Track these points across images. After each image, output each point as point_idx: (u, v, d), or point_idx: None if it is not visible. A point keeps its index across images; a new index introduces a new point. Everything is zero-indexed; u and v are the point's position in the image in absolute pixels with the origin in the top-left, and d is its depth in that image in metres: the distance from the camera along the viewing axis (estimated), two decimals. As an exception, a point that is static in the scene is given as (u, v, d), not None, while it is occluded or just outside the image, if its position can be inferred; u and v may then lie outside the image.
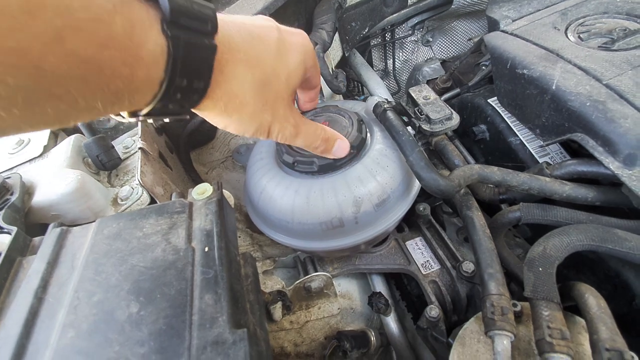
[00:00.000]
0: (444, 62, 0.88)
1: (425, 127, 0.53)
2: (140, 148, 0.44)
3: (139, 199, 0.43)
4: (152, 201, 0.43)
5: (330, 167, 0.47)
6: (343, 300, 0.64)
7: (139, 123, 0.48)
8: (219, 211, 0.32)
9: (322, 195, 0.46)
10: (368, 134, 0.51)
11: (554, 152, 0.54)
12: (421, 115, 0.55)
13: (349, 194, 0.45)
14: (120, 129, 0.56)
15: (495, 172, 0.46)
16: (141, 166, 0.42)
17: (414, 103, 0.57)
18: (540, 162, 0.55)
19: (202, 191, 0.35)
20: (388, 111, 0.50)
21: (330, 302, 0.62)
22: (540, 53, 0.50)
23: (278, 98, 0.35)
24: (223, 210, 0.33)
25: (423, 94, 0.58)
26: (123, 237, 0.31)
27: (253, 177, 0.52)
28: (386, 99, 0.55)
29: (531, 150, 0.55)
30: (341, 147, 0.44)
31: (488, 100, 0.62)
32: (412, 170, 0.46)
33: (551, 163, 0.51)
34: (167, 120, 0.31)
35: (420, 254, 0.59)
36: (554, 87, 0.47)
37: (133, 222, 0.32)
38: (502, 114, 0.59)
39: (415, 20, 1.10)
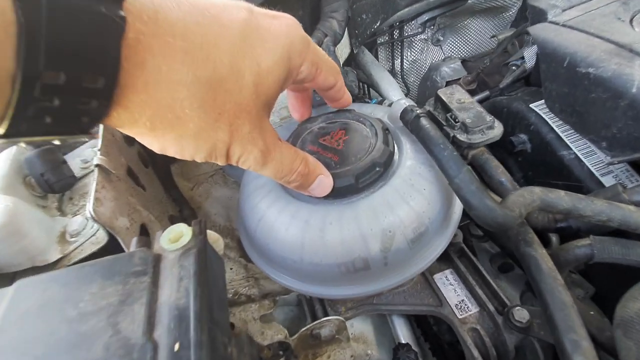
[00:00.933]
0: (464, 62, 0.78)
1: (462, 137, 0.43)
2: (97, 165, 0.32)
3: (93, 236, 0.31)
4: (112, 239, 0.31)
5: (351, 189, 0.36)
6: (357, 345, 0.53)
7: (101, 131, 0.37)
8: (199, 272, 0.21)
9: (340, 228, 0.35)
10: (395, 147, 0.41)
11: (619, 170, 0.45)
12: (455, 122, 0.44)
13: (377, 226, 0.34)
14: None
15: (562, 198, 0.36)
16: (97, 191, 0.30)
17: (445, 108, 0.47)
18: (602, 181, 0.45)
19: (176, 236, 0.24)
20: (422, 118, 0.40)
21: (341, 348, 0.51)
22: (609, 48, 0.40)
23: (240, 110, 0.25)
24: (207, 271, 0.22)
25: (456, 97, 0.47)
26: (47, 319, 0.20)
27: (249, 200, 0.41)
28: (414, 104, 0.44)
29: (589, 167, 0.45)
30: (322, 185, 0.34)
31: (530, 106, 0.52)
32: (458, 195, 0.35)
33: (625, 185, 0.41)
34: (56, 142, 0.20)
35: (453, 292, 0.49)
36: (634, 90, 0.37)
37: (66, 291, 0.21)
38: (550, 122, 0.49)
39: (426, 16, 1.00)
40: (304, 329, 0.46)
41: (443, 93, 0.47)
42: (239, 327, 0.43)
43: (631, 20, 0.45)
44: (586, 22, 0.45)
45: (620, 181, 0.44)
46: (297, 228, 0.36)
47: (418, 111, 0.41)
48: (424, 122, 0.39)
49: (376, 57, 1.07)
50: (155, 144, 0.24)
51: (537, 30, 0.48)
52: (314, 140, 0.40)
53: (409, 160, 0.39)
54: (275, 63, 0.26)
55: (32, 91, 0.17)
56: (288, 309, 0.54)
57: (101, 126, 0.36)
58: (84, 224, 0.32)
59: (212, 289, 0.22)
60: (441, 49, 1.11)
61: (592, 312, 0.41)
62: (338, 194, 0.36)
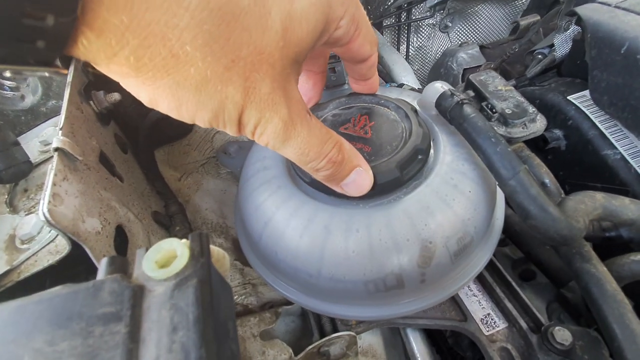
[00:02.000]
0: (482, 48, 0.72)
1: (500, 130, 0.37)
2: (57, 149, 0.24)
3: (51, 242, 0.23)
4: (76, 247, 0.23)
5: (397, 182, 0.29)
6: (365, 360, 0.48)
7: (64, 103, 0.28)
8: (203, 318, 0.14)
9: (369, 237, 0.28)
10: (431, 139, 0.34)
11: (671, 174, 0.40)
12: (493, 113, 0.38)
13: (414, 236, 0.28)
14: (41, 113, 0.35)
15: (628, 207, 0.31)
16: (55, 184, 0.22)
17: (480, 96, 0.41)
18: (652, 186, 0.40)
19: (165, 258, 0.17)
20: (466, 106, 0.33)
21: (349, 364, 0.46)
22: (679, 33, 0.35)
23: (261, 60, 0.18)
24: (213, 313, 0.15)
25: (492, 84, 0.41)
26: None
27: (252, 198, 0.34)
28: (452, 88, 0.38)
29: (637, 169, 0.40)
30: (359, 180, 0.26)
31: (569, 98, 0.46)
32: (512, 200, 0.29)
33: (686, 192, 0.36)
34: (28, 74, 0.13)
35: (478, 304, 0.43)
36: None
37: (2, 346, 0.14)
38: (592, 117, 0.44)
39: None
40: (310, 347, 0.40)
41: (476, 79, 0.41)
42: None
43: (694, 4, 0.40)
44: (644, 3, 0.40)
45: (671, 186, 0.39)
46: (315, 235, 0.29)
47: (461, 96, 0.34)
48: (469, 110, 0.33)
49: (382, 40, 1.00)
50: (143, 92, 0.18)
51: (588, 11, 0.42)
52: (334, 130, 0.33)
53: (448, 155, 0.33)
54: (313, 5, 0.19)
55: None
56: (289, 320, 0.47)
57: (65, 97, 0.28)
58: (39, 227, 0.24)
59: (221, 342, 0.15)
60: (448, 36, 1.05)
61: None
62: (380, 190, 0.29)
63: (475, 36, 1.05)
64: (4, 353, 0.14)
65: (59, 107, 0.35)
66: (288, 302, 0.45)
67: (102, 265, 0.17)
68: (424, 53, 1.06)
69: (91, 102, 0.32)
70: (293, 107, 0.21)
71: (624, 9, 0.40)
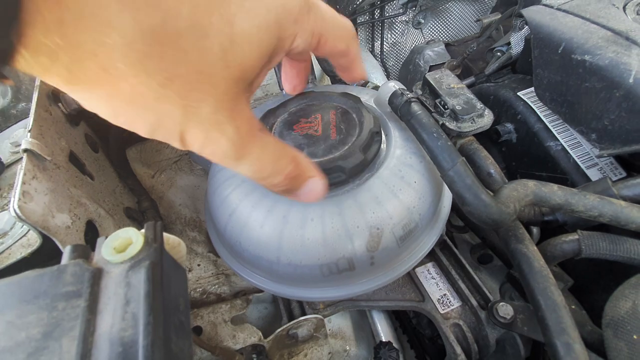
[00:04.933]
0: (447, 46, 0.75)
1: (451, 125, 0.40)
2: (26, 150, 0.26)
3: (24, 236, 0.25)
4: (47, 241, 0.25)
5: (336, 181, 0.32)
6: (334, 342, 0.51)
7: (33, 106, 0.29)
8: (153, 293, 0.17)
9: (323, 225, 0.31)
10: (383, 134, 0.37)
11: (604, 163, 0.44)
12: (445, 109, 0.41)
13: (363, 223, 0.31)
14: (12, 115, 0.36)
15: (556, 193, 0.34)
16: (24, 182, 0.24)
17: (434, 93, 0.44)
18: (587, 173, 0.44)
19: (122, 244, 0.19)
20: (413, 104, 0.36)
21: (319, 345, 0.49)
22: (606, 35, 0.39)
23: (201, 79, 0.19)
24: (163, 290, 0.17)
25: (446, 82, 0.44)
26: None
27: (218, 192, 0.36)
28: (403, 87, 0.41)
29: (575, 159, 0.44)
30: (314, 190, 0.27)
31: (519, 94, 0.50)
32: (451, 189, 0.33)
33: (612, 179, 0.40)
34: None
35: (435, 286, 0.47)
36: (631, 81, 0.35)
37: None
38: (538, 112, 0.47)
39: (408, -4, 0.96)
40: (279, 329, 0.43)
41: (431, 77, 0.44)
42: (207, 331, 0.39)
43: (624, 7, 0.43)
44: (581, 6, 0.43)
45: (604, 173, 0.43)
46: (274, 225, 0.32)
47: (409, 95, 0.37)
48: (416, 107, 0.36)
49: (356, 37, 1.02)
50: (83, 100, 0.19)
51: (532, 13, 0.45)
52: (287, 127, 0.36)
53: (398, 149, 0.36)
54: (257, 28, 0.20)
55: None
56: (262, 307, 0.50)
57: (33, 100, 0.29)
58: (12, 222, 0.26)
59: (170, 313, 0.17)
60: (421, 32, 1.08)
61: (572, 307, 0.41)
62: (350, 174, 0.32)
63: (447, 32, 1.08)
64: (-21, 327, 0.16)
65: (29, 110, 0.36)
66: (259, 290, 0.47)
67: (65, 252, 0.19)
68: (398, 49, 1.09)
69: (60, 104, 0.33)
70: (242, 126, 0.21)
71: (564, 10, 0.44)
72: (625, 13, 0.43)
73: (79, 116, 0.36)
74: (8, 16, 0.14)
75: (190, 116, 0.20)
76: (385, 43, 1.05)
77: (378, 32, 1.03)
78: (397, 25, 1.04)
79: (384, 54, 1.08)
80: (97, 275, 0.18)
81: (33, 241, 0.26)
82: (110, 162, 0.43)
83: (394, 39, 1.07)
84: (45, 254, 0.27)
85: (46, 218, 0.25)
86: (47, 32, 0.15)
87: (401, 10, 1.00)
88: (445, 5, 1.03)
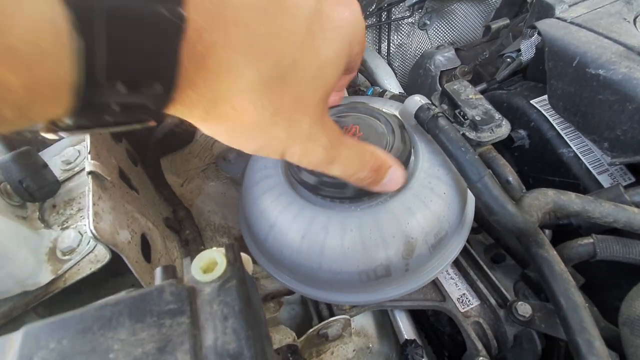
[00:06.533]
0: (457, 50, 0.77)
1: (471, 135, 0.42)
2: (90, 172, 0.28)
3: (91, 252, 0.27)
4: (114, 256, 0.27)
5: (369, 192, 0.34)
6: (358, 339, 0.54)
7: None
8: (245, 309, 0.19)
9: (361, 235, 0.33)
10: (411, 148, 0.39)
11: (614, 169, 0.46)
12: (464, 119, 0.44)
13: (399, 233, 0.34)
14: (56, 132, 0.38)
15: (574, 201, 0.37)
16: (94, 204, 0.26)
17: (453, 104, 0.46)
18: (598, 179, 0.47)
19: (208, 264, 0.21)
20: (440, 119, 0.39)
21: (344, 343, 0.52)
22: (619, 50, 0.41)
23: (300, 105, 0.23)
24: (251, 305, 0.20)
25: (464, 92, 0.46)
26: (70, 378, 0.17)
27: (256, 204, 0.38)
28: (429, 102, 0.43)
29: (587, 165, 0.47)
30: (395, 178, 0.32)
31: (532, 102, 0.52)
32: (478, 199, 0.35)
33: (622, 184, 0.42)
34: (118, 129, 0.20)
35: (455, 286, 0.50)
36: (643, 95, 0.37)
37: (89, 339, 0.18)
38: (551, 120, 0.50)
39: (414, -1, 0.98)
40: (311, 330, 0.45)
41: (450, 88, 0.46)
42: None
43: (635, 21, 0.46)
44: (594, 20, 0.45)
45: (614, 179, 0.46)
46: (315, 235, 0.34)
47: (436, 110, 0.39)
48: (443, 122, 0.38)
49: (364, 40, 1.03)
50: (206, 131, 0.23)
51: (546, 26, 0.47)
52: None
53: (426, 162, 0.38)
54: (335, 53, 0.23)
55: (91, 99, 0.16)
56: (290, 308, 0.53)
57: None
58: (78, 239, 0.28)
59: (259, 326, 0.20)
60: (427, 33, 1.10)
61: (586, 305, 0.43)
62: (356, 196, 0.34)
63: (452, 33, 1.10)
64: (97, 345, 0.18)
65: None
66: (289, 293, 0.50)
67: (157, 273, 0.21)
68: (404, 50, 1.10)
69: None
70: (331, 134, 0.25)
71: (577, 24, 0.46)
72: (636, 26, 0.45)
73: (121, 132, 0.38)
74: (171, 86, 0.18)
75: (293, 135, 0.24)
76: (391, 44, 1.07)
77: (384, 34, 1.05)
78: (403, 27, 1.06)
79: (391, 55, 1.10)
80: (192, 294, 0.20)
81: (101, 257, 0.28)
82: (147, 175, 0.45)
83: (400, 40, 1.08)
84: (109, 270, 0.29)
85: (114, 235, 0.26)
86: (195, 89, 0.19)
87: (407, 13, 1.02)
88: (450, 7, 1.05)
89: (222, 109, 0.21)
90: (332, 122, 0.26)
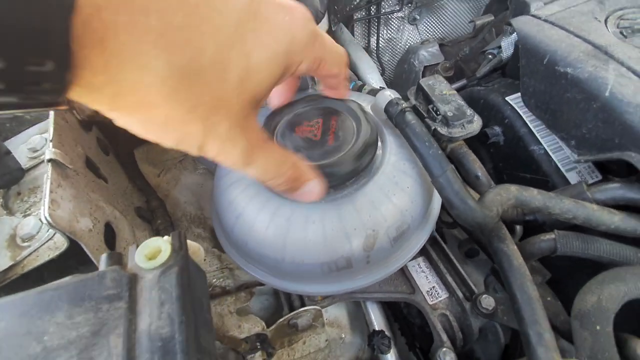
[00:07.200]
0: (442, 46, 0.77)
1: (442, 130, 0.43)
2: (50, 160, 0.28)
3: (50, 240, 0.28)
4: (72, 244, 0.28)
5: (335, 185, 0.35)
6: (331, 330, 0.55)
7: (51, 116, 0.32)
8: (183, 295, 0.19)
9: (324, 227, 0.34)
10: (379, 141, 0.40)
11: (582, 167, 0.47)
12: (437, 115, 0.44)
13: (360, 225, 0.34)
14: (25, 120, 0.38)
15: (535, 197, 0.38)
16: (52, 191, 0.26)
17: (427, 99, 0.46)
18: (566, 176, 0.47)
19: (152, 252, 0.22)
20: (407, 113, 0.39)
21: (316, 334, 0.53)
22: (587, 49, 0.41)
23: (219, 105, 0.22)
24: (191, 292, 0.20)
25: (438, 88, 0.47)
26: (6, 358, 0.17)
27: (225, 195, 0.39)
28: (399, 96, 0.43)
29: (556, 162, 0.48)
30: (313, 190, 0.31)
31: (507, 99, 0.53)
32: (440, 193, 0.36)
33: (587, 183, 0.43)
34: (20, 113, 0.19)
35: (425, 279, 0.51)
36: (607, 94, 0.38)
37: (26, 321, 0.18)
38: (524, 117, 0.50)
39: (404, -7, 0.97)
40: (281, 319, 0.46)
41: (425, 83, 0.46)
42: (214, 321, 0.42)
43: (606, 21, 0.46)
44: (566, 19, 0.46)
45: (582, 176, 0.47)
46: (279, 227, 0.35)
47: (404, 105, 0.40)
48: (410, 117, 0.39)
49: (352, 33, 1.03)
50: (119, 121, 0.22)
51: (520, 23, 0.48)
52: (290, 129, 0.38)
53: (393, 156, 0.38)
54: (268, 59, 0.23)
55: None
56: (263, 298, 0.53)
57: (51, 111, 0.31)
58: (38, 227, 0.28)
59: (197, 313, 0.20)
60: (417, 28, 1.10)
61: (548, 298, 0.45)
62: (340, 180, 0.35)
63: (442, 28, 1.10)
64: (33, 328, 0.19)
65: (43, 114, 0.38)
66: (261, 283, 0.50)
67: (102, 260, 0.22)
68: (394, 45, 1.10)
69: (74, 111, 0.35)
70: (252, 139, 0.25)
71: (551, 22, 0.47)
72: (607, 26, 0.45)
73: (91, 121, 0.38)
74: (64, 64, 0.17)
75: (209, 134, 0.23)
76: (381, 39, 1.07)
77: (374, 28, 1.04)
78: (392, 22, 1.05)
79: (380, 49, 1.09)
80: (133, 280, 0.20)
81: (60, 244, 0.28)
82: (120, 164, 0.45)
83: (390, 35, 1.08)
84: (68, 255, 0.30)
85: (72, 223, 0.27)
86: (95, 73, 0.18)
87: (397, 7, 1.01)
88: (440, 2, 1.04)
89: (130, 99, 0.20)
90: (257, 127, 0.26)
